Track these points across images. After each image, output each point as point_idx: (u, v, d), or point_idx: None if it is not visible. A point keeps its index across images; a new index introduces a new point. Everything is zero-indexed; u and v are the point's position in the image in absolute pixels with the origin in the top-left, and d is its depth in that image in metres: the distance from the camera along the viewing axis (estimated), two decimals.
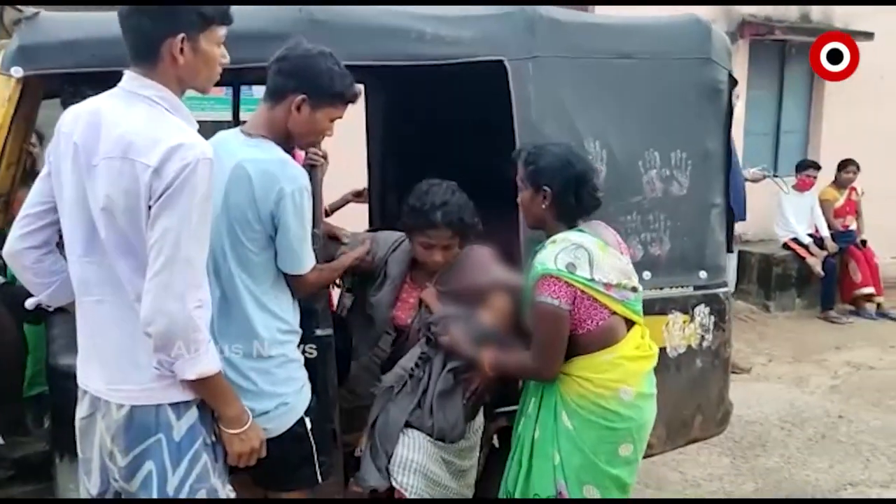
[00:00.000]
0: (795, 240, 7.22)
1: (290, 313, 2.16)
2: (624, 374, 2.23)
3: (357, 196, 3.78)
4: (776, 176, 7.07)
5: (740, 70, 6.93)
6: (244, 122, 2.23)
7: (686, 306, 2.89)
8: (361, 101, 2.84)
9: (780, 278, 7.28)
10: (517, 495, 2.34)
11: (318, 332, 2.36)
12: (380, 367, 2.62)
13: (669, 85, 2.86)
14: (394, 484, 2.38)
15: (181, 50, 1.72)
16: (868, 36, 7.57)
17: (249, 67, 2.22)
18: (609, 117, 2.78)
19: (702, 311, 2.92)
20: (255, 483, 2.16)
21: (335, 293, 3.10)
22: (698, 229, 2.93)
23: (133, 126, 1.68)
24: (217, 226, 1.97)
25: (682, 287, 2.90)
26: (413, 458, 2.39)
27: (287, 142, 2.15)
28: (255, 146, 2.08)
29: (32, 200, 1.90)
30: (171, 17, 1.71)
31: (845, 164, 7.30)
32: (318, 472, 2.21)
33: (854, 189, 7.41)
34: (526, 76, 2.62)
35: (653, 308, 2.63)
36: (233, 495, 1.90)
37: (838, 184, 7.40)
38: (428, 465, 2.40)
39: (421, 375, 2.45)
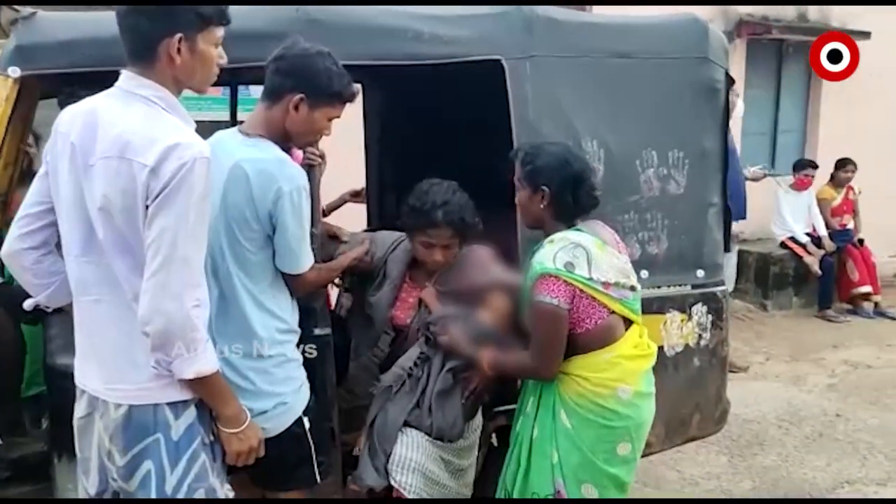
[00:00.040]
0: (793, 239, 7.23)
1: (289, 313, 2.16)
2: (622, 372, 2.23)
3: (355, 196, 3.77)
4: (777, 174, 7.09)
5: (737, 69, 6.93)
6: (242, 121, 2.23)
7: (683, 305, 2.90)
8: (359, 101, 2.85)
9: (778, 277, 7.30)
10: (515, 494, 2.34)
11: (317, 331, 2.37)
12: (378, 367, 2.62)
13: (667, 84, 2.86)
14: (392, 483, 2.38)
15: (178, 50, 1.72)
16: (865, 35, 7.59)
17: (247, 67, 2.22)
18: (606, 116, 2.78)
19: (699, 309, 2.92)
20: (253, 482, 2.16)
21: (333, 293, 3.10)
22: (695, 228, 2.94)
23: (130, 125, 1.68)
24: (215, 225, 1.97)
25: (680, 286, 2.91)
26: (412, 458, 2.39)
27: (285, 141, 2.15)
28: (253, 146, 2.08)
29: (31, 201, 1.90)
30: (168, 16, 1.71)
31: (844, 164, 7.31)
32: (317, 472, 2.21)
33: (851, 188, 7.42)
34: (523, 75, 2.62)
35: (650, 307, 2.64)
36: (231, 495, 1.90)
37: (835, 183, 7.41)
38: (426, 464, 2.40)
39: (420, 375, 2.45)
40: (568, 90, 2.71)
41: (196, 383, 1.75)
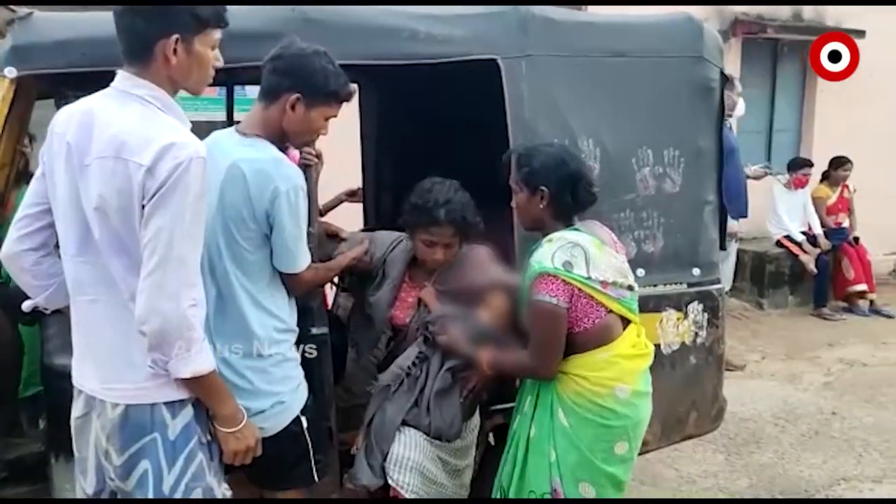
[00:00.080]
0: (788, 237, 7.25)
1: (287, 312, 2.16)
2: (620, 372, 2.24)
3: (351, 196, 3.78)
4: (778, 173, 7.10)
5: (732, 68, 6.94)
6: (238, 121, 2.23)
7: (680, 303, 2.91)
8: (355, 101, 2.85)
9: (774, 276, 7.31)
10: (511, 492, 2.34)
11: (314, 330, 2.37)
12: (376, 367, 2.62)
13: (662, 83, 2.87)
14: (390, 482, 2.39)
15: (175, 51, 1.72)
16: (859, 34, 7.60)
17: (243, 67, 2.22)
18: (602, 115, 2.79)
19: (695, 308, 2.93)
20: (251, 482, 2.17)
21: (330, 292, 3.11)
22: (691, 226, 2.94)
23: (126, 125, 1.68)
24: (212, 225, 1.98)
25: (676, 284, 2.92)
26: (409, 457, 2.39)
27: (282, 141, 2.15)
28: (250, 145, 2.09)
29: (29, 202, 1.90)
30: (165, 17, 1.71)
31: (842, 162, 7.30)
32: (315, 471, 2.21)
33: (846, 186, 7.44)
34: (519, 75, 2.63)
35: (647, 305, 2.64)
36: (229, 494, 1.90)
37: (831, 181, 7.42)
38: (424, 463, 2.40)
39: (418, 375, 2.45)
40: (564, 89, 2.71)
41: (193, 383, 1.75)
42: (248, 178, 2.01)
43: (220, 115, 4.02)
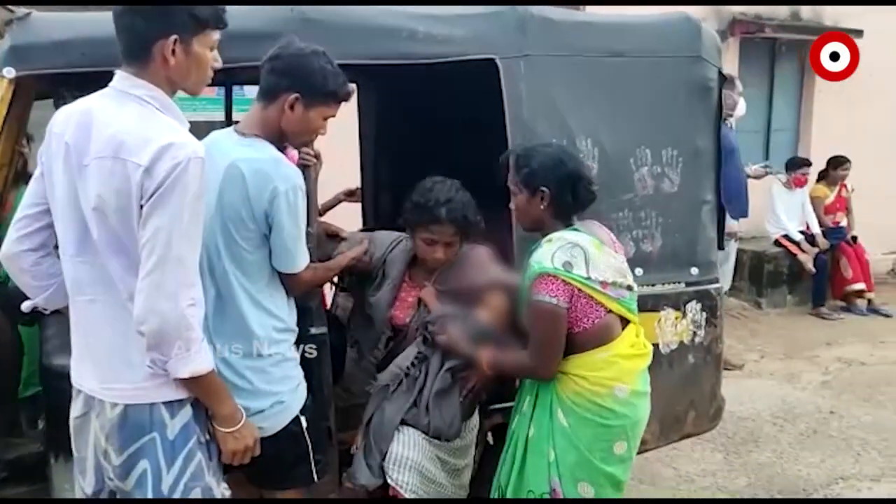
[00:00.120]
0: (787, 236, 7.25)
1: (286, 312, 2.17)
2: (619, 372, 2.24)
3: (349, 195, 3.78)
4: (778, 172, 7.11)
5: (731, 68, 6.94)
6: (237, 121, 2.23)
7: (678, 303, 2.91)
8: (354, 100, 2.85)
9: (772, 275, 7.31)
10: (509, 492, 2.35)
11: (313, 330, 2.37)
12: (375, 366, 2.62)
13: (660, 83, 2.87)
14: (389, 481, 2.39)
15: (173, 51, 1.72)
16: (858, 34, 7.61)
17: (241, 67, 2.22)
18: (600, 115, 2.79)
19: (693, 307, 2.93)
20: (250, 481, 2.17)
21: (329, 292, 3.11)
22: (689, 226, 2.95)
23: (124, 125, 1.68)
24: (211, 225, 1.98)
25: (674, 283, 2.92)
26: (408, 456, 2.39)
27: (281, 141, 2.15)
28: (249, 145, 2.09)
29: (28, 202, 1.90)
30: (164, 18, 1.71)
31: (841, 162, 7.30)
32: (314, 471, 2.21)
33: (844, 186, 7.44)
34: (517, 75, 2.63)
35: (645, 304, 2.64)
36: (228, 494, 1.91)
37: (829, 181, 7.43)
38: (423, 462, 2.41)
39: (417, 375, 2.45)
40: (562, 89, 2.72)
41: (191, 382, 1.76)
42: (247, 178, 2.01)
43: (219, 115, 4.01)
